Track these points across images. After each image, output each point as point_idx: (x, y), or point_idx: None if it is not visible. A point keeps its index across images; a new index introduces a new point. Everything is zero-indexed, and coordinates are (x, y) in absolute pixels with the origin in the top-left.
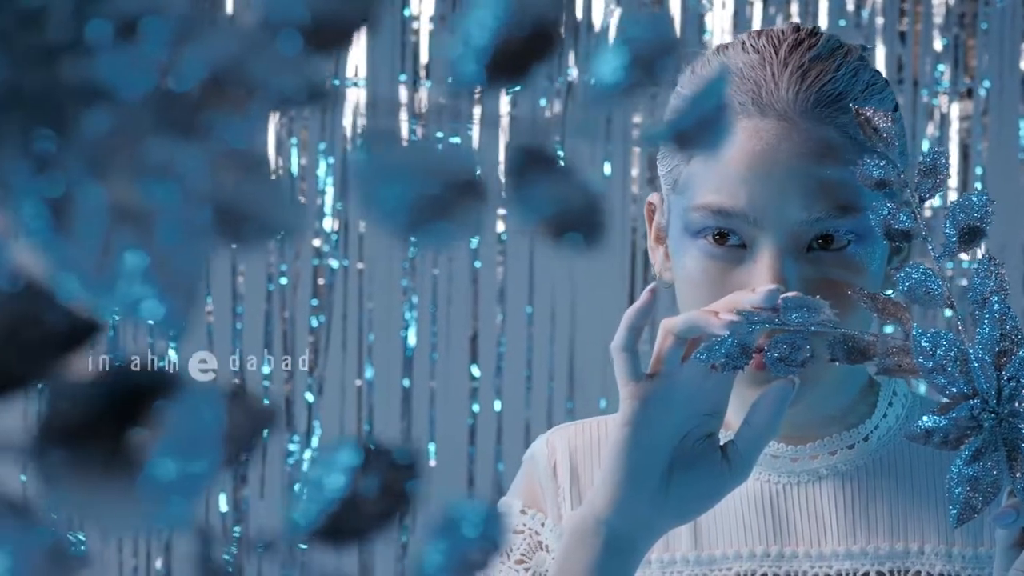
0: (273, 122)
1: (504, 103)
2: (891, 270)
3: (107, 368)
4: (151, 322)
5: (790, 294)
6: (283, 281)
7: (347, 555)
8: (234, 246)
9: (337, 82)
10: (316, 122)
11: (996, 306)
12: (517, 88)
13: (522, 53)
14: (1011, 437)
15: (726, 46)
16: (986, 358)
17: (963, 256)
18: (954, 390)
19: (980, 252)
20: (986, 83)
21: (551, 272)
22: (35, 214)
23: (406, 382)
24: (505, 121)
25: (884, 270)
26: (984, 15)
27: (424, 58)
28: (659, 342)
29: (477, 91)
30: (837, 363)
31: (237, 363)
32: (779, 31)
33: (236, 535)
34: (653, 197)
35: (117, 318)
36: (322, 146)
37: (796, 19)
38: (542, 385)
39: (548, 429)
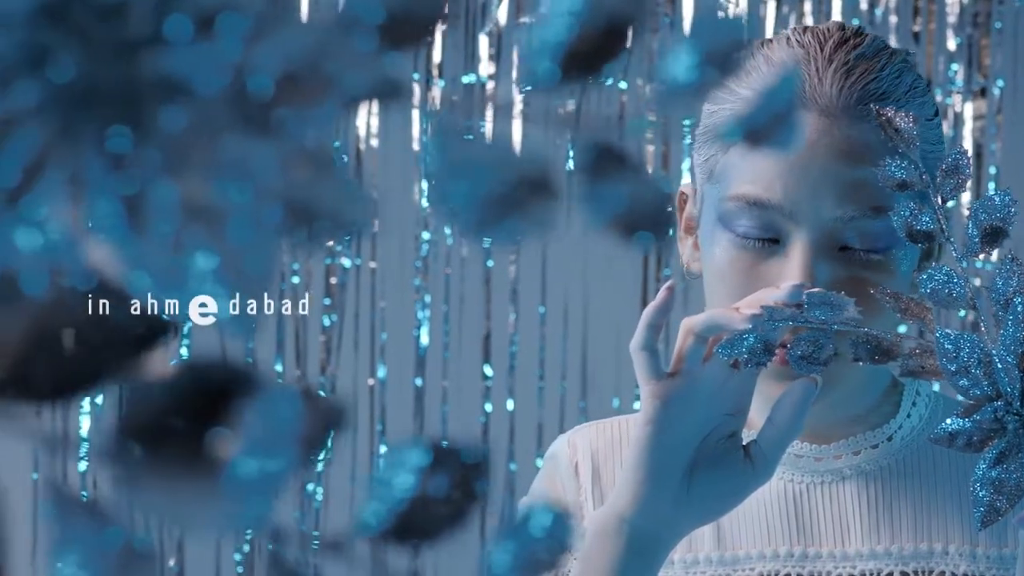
0: (347, 119)
1: (577, 100)
2: (914, 272)
3: (184, 367)
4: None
5: (814, 290)
6: (295, 280)
7: (417, 555)
8: (304, 244)
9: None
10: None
11: (1020, 307)
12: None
13: (597, 50)
14: None
15: (770, 40)
16: (1010, 360)
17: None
18: (978, 392)
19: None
20: (1000, 82)
21: (564, 272)
22: (110, 212)
23: (418, 381)
24: (577, 119)
25: (914, 273)
26: (998, 14)
27: (438, 57)
28: (680, 341)
29: (551, 88)
30: (860, 363)
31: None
32: (824, 28)
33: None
34: (685, 187)
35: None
36: (336, 144)
37: (809, 18)
38: (555, 384)
39: (561, 429)
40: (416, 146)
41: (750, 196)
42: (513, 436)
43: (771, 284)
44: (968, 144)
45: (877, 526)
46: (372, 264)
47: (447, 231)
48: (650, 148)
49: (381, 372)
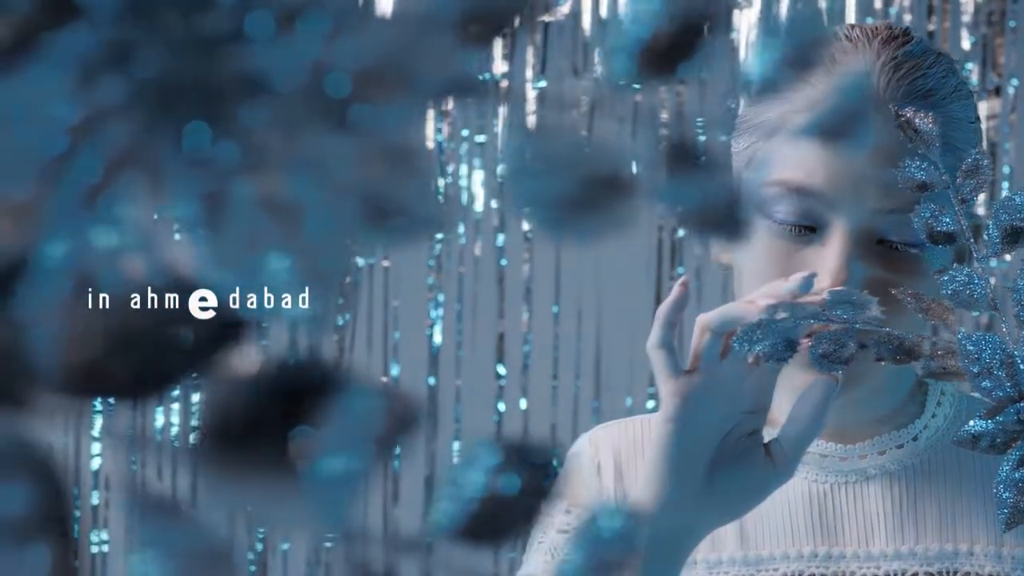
0: (427, 116)
1: (653, 98)
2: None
3: (266, 366)
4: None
5: (837, 288)
6: None
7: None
8: (380, 242)
9: (490, 76)
10: None
11: None
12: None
13: (675, 48)
14: None
15: None
16: None
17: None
18: (1000, 394)
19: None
20: (1014, 81)
21: (577, 271)
22: (189, 209)
23: (432, 380)
24: (654, 116)
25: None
26: (1012, 13)
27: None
28: (696, 338)
29: (629, 85)
30: (883, 363)
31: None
32: (873, 26)
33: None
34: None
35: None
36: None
37: (824, 17)
38: (568, 384)
39: (574, 428)
40: (431, 144)
41: (792, 182)
42: (526, 436)
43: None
44: (983, 143)
45: (902, 526)
46: (385, 263)
47: (461, 230)
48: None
49: (394, 371)
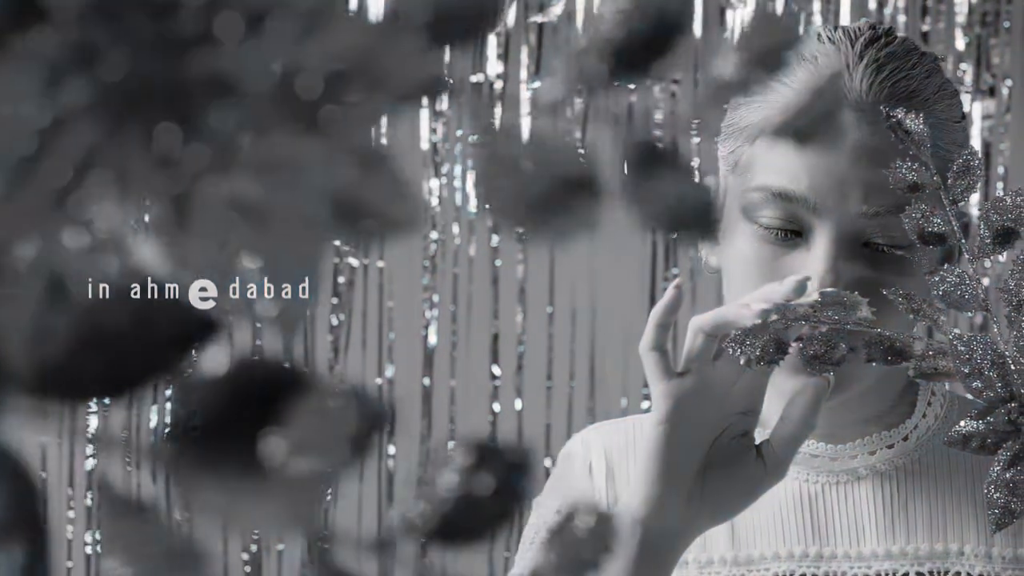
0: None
1: (623, 99)
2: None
3: (236, 366)
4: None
5: (828, 290)
6: None
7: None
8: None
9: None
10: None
11: None
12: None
13: (646, 49)
14: None
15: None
16: (1023, 361)
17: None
18: (991, 394)
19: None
20: (1008, 81)
21: (572, 272)
22: (157, 210)
23: (426, 381)
24: (624, 117)
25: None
26: (1006, 13)
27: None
28: (689, 340)
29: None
30: (873, 364)
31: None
32: (856, 27)
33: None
34: (708, 180)
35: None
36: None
37: (817, 17)
38: (563, 385)
39: (569, 429)
40: (425, 145)
41: (775, 187)
42: (521, 436)
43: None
44: (977, 144)
45: (892, 526)
46: (380, 263)
47: (455, 230)
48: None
49: (389, 371)
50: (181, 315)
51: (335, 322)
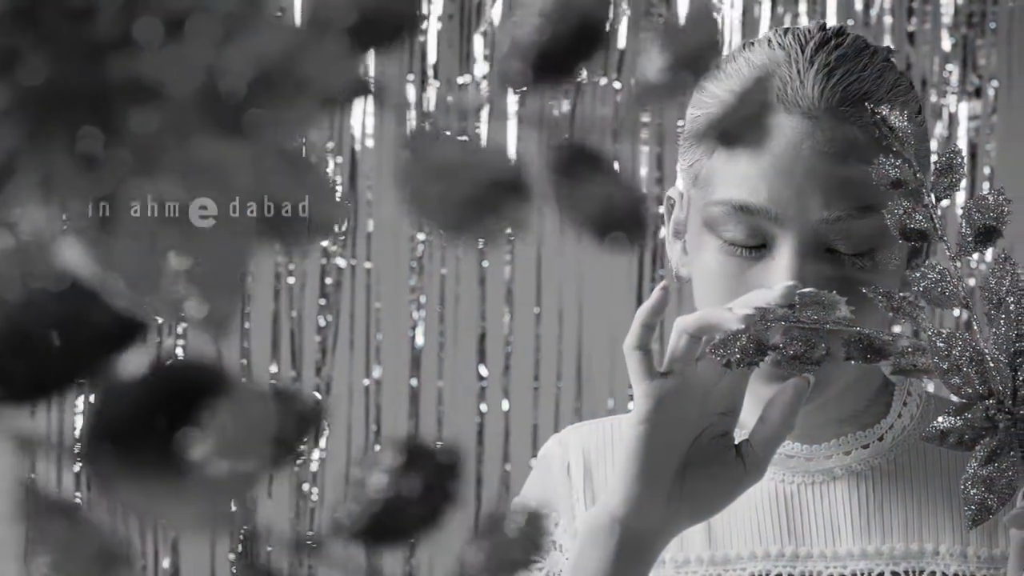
0: (324, 120)
1: (549, 102)
2: (906, 271)
3: (156, 367)
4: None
5: (806, 290)
6: (290, 280)
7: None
8: (277, 245)
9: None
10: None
11: (1012, 306)
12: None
13: (568, 51)
14: None
15: (752, 43)
16: (1001, 358)
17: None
18: (969, 391)
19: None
20: (994, 82)
21: (559, 272)
22: (81, 213)
23: (414, 382)
24: (551, 119)
25: (904, 271)
26: (993, 14)
27: (433, 57)
28: (673, 341)
29: (523, 89)
30: (853, 362)
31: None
32: (806, 29)
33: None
34: (672, 191)
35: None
36: (330, 145)
37: (804, 18)
38: (550, 385)
39: (556, 429)
40: None
41: (735, 200)
42: (508, 437)
43: (760, 288)
44: (963, 144)
45: (868, 526)
46: (367, 264)
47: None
48: (645, 149)
49: (376, 372)
50: (106, 317)
51: (323, 323)
